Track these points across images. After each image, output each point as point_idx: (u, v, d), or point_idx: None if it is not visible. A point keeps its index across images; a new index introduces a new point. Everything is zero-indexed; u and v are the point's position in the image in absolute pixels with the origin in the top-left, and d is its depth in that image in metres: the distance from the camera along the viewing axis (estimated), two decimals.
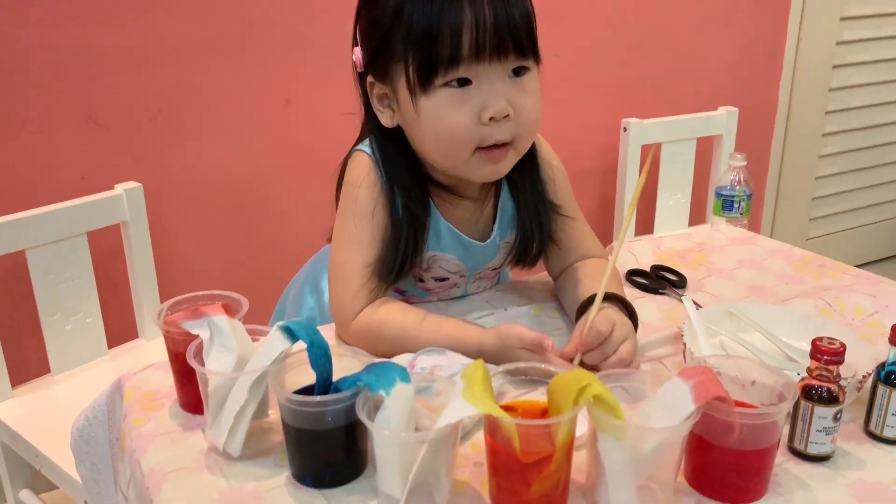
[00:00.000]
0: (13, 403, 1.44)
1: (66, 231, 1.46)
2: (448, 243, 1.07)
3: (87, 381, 1.50)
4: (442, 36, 0.90)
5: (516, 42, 0.92)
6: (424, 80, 0.93)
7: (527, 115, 0.96)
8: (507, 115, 0.94)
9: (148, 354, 1.58)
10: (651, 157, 0.92)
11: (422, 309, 1.02)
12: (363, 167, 1.03)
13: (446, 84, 0.93)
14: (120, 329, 1.66)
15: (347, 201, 1.03)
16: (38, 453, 1.34)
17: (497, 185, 1.09)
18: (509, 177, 1.08)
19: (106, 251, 1.64)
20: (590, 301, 1.00)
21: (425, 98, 0.94)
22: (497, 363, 0.83)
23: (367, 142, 1.05)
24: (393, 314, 0.99)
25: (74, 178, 1.65)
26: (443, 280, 1.12)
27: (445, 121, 0.94)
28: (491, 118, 0.93)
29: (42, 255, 1.43)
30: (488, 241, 1.09)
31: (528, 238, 1.08)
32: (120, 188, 1.54)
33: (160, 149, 1.73)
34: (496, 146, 0.96)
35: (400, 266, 1.01)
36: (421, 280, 1.12)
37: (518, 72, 0.95)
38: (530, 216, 1.08)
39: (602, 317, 0.93)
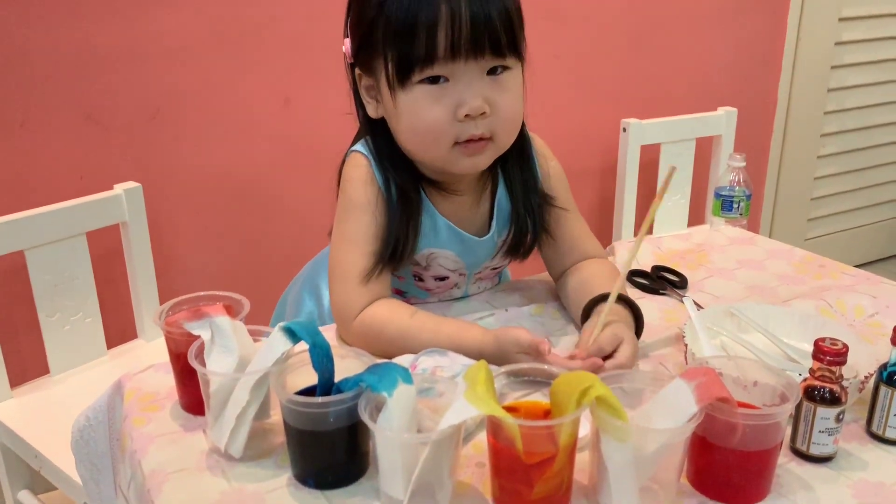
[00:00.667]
0: (12, 404, 1.44)
1: (65, 231, 1.45)
2: (446, 239, 1.07)
3: (87, 381, 1.49)
4: (417, 34, 0.90)
5: (494, 41, 0.92)
6: (401, 76, 0.93)
7: (505, 113, 0.96)
8: (484, 113, 0.94)
9: (147, 355, 1.58)
10: (669, 176, 0.90)
11: (423, 310, 1.02)
12: (360, 166, 1.03)
13: (423, 80, 0.93)
14: (119, 330, 1.66)
15: (345, 201, 1.03)
16: (38, 454, 1.33)
17: (493, 181, 1.09)
18: (504, 172, 1.08)
19: (105, 251, 1.63)
20: (593, 302, 1.00)
21: (403, 93, 0.94)
22: (497, 366, 0.83)
23: (362, 141, 1.05)
24: (394, 315, 0.99)
25: (73, 177, 1.65)
26: (443, 279, 1.12)
27: (422, 116, 0.94)
28: (466, 115, 0.93)
29: (41, 256, 1.43)
30: (486, 236, 1.09)
31: (523, 229, 1.08)
32: (119, 188, 1.53)
33: (159, 148, 1.73)
34: (474, 140, 0.96)
35: (394, 247, 1.00)
36: (421, 279, 1.11)
37: (497, 70, 0.94)
38: (524, 208, 1.07)
39: (609, 334, 0.92)
